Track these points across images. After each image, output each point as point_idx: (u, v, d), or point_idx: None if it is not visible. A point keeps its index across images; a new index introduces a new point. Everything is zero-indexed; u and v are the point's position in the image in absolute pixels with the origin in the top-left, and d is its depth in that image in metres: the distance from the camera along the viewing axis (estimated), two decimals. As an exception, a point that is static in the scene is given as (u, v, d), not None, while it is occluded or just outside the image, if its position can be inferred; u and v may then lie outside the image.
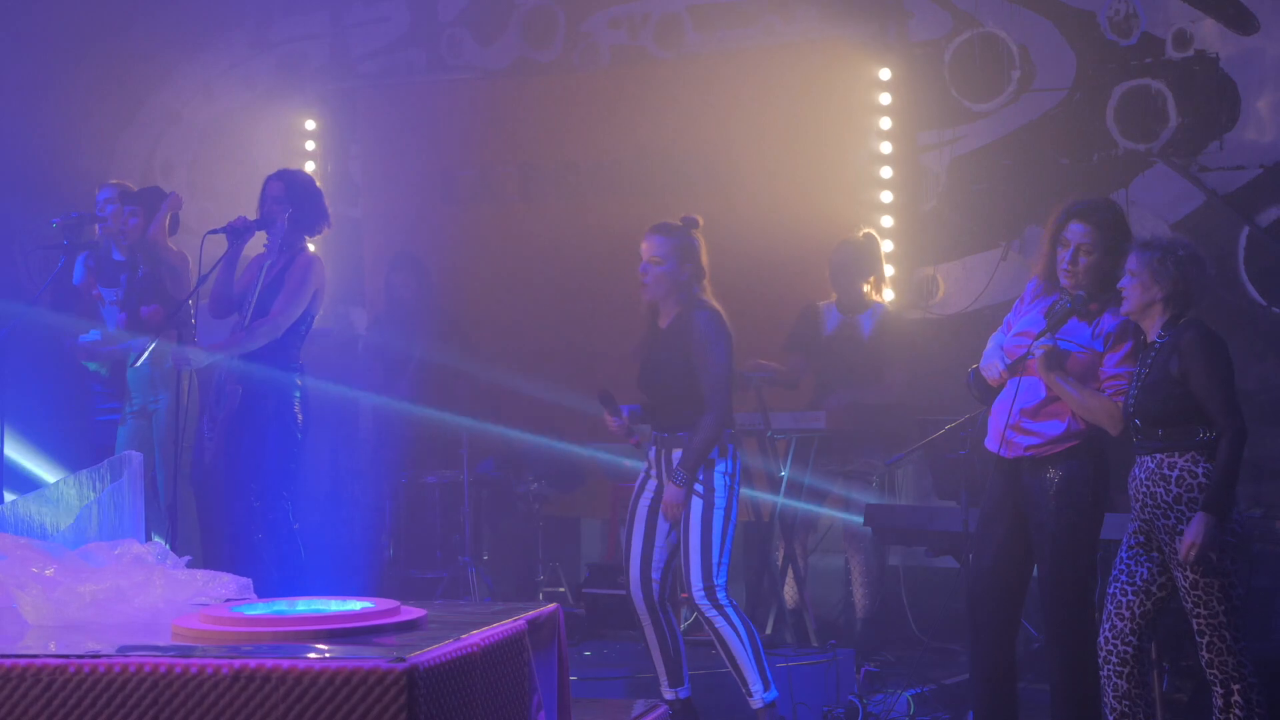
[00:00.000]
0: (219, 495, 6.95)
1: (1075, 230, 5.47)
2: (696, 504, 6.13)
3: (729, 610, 6.11)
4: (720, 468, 6.18)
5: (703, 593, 6.10)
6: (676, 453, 6.19)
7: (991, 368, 5.62)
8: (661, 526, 6.26)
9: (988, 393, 5.69)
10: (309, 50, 10.49)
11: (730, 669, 6.16)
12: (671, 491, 6.15)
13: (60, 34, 10.00)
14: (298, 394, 6.90)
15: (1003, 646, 5.61)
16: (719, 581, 6.12)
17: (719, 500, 6.15)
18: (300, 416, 6.91)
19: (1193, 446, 5.10)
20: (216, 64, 10.52)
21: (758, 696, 6.12)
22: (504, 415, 8.85)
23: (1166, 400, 5.13)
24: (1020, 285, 5.92)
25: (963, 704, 6.64)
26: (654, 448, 6.31)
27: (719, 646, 6.15)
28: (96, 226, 7.83)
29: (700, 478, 6.15)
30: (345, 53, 10.42)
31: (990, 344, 5.74)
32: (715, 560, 6.12)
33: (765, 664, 6.16)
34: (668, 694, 6.26)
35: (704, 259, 6.29)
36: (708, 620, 6.12)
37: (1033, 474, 5.52)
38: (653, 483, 6.30)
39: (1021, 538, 5.56)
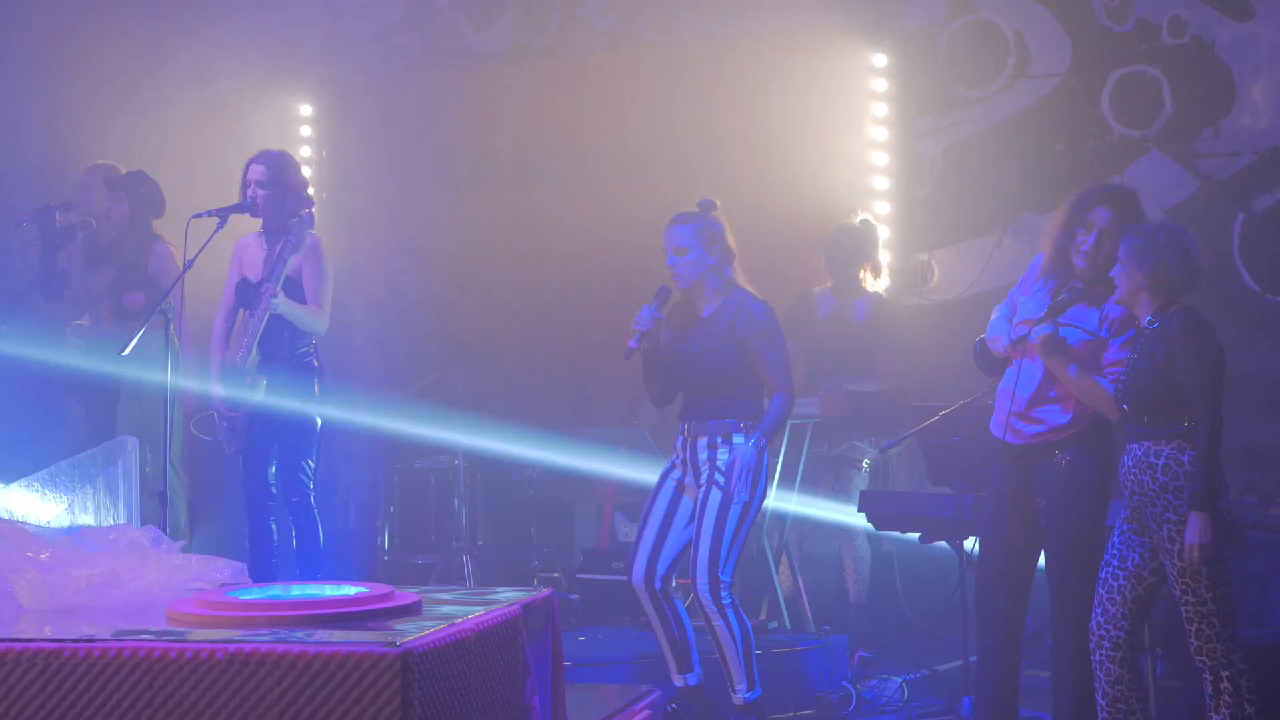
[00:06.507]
0: (259, 472, 6.97)
1: (1102, 215, 5.43)
2: (715, 495, 5.97)
3: (729, 611, 5.94)
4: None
5: (706, 587, 5.93)
6: (702, 440, 6.07)
7: (998, 340, 5.61)
8: (679, 520, 6.12)
9: (993, 365, 5.68)
10: (304, 35, 10.46)
11: (720, 661, 6.06)
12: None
13: (54, 19, 9.97)
14: (316, 380, 6.92)
15: (1008, 632, 5.61)
16: (724, 578, 5.93)
17: (739, 495, 5.97)
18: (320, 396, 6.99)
19: (1178, 435, 5.08)
20: (211, 49, 10.49)
21: (741, 694, 6.02)
22: (499, 402, 8.84)
23: (1152, 387, 5.11)
24: (1015, 271, 5.91)
25: (956, 689, 6.65)
26: (680, 438, 6.16)
27: (712, 639, 6.03)
28: (89, 218, 7.89)
29: (723, 469, 6.00)
30: (341, 38, 10.39)
31: (996, 314, 5.73)
32: (724, 555, 5.92)
33: (755, 666, 6.04)
34: (677, 680, 6.14)
35: (731, 240, 6.15)
36: (706, 615, 5.98)
37: (1040, 460, 5.51)
38: (676, 473, 6.16)
39: (1029, 523, 5.56)
